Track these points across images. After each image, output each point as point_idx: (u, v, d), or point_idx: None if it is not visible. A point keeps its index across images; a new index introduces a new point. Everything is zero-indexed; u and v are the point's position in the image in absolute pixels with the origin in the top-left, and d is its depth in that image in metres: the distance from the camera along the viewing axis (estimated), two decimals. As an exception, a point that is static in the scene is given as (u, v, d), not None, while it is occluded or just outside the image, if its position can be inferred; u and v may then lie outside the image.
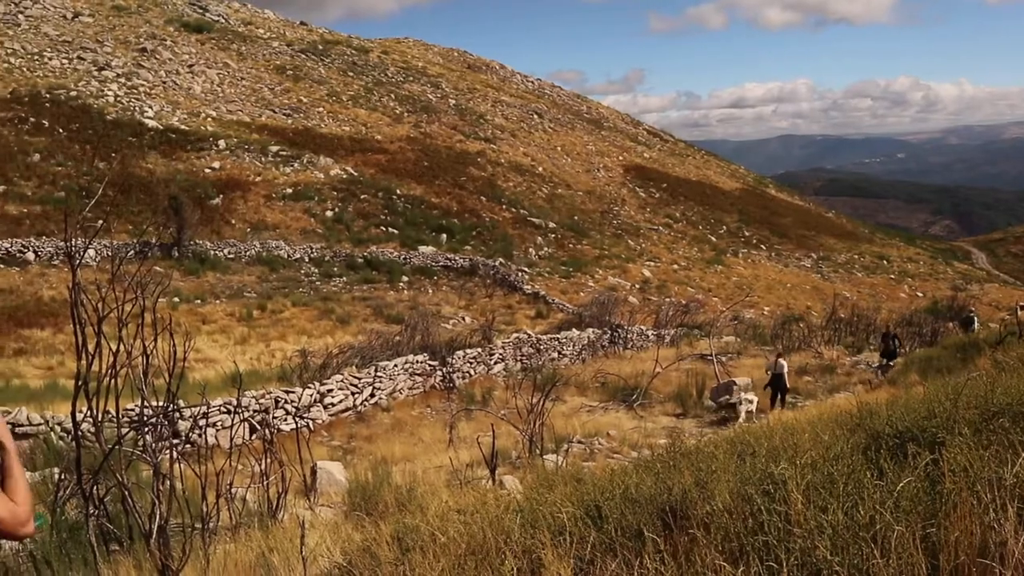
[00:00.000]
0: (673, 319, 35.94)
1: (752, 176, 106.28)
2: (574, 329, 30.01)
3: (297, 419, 16.11)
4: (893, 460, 3.54)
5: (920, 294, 61.17)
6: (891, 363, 21.06)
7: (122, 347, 5.08)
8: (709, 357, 23.30)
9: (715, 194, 80.00)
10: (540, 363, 25.20)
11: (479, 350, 24.19)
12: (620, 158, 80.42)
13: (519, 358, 25.33)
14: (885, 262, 71.98)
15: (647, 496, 3.85)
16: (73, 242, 5.44)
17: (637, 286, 48.85)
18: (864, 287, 61.67)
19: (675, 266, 55.74)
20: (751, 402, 17.54)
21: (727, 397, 18.77)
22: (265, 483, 7.23)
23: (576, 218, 59.69)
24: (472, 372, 23.22)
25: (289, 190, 48.65)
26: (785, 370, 18.33)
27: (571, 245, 53.75)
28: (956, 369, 13.19)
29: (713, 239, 65.48)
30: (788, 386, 18.44)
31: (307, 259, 42.62)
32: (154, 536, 5.39)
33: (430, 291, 40.96)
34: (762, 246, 67.61)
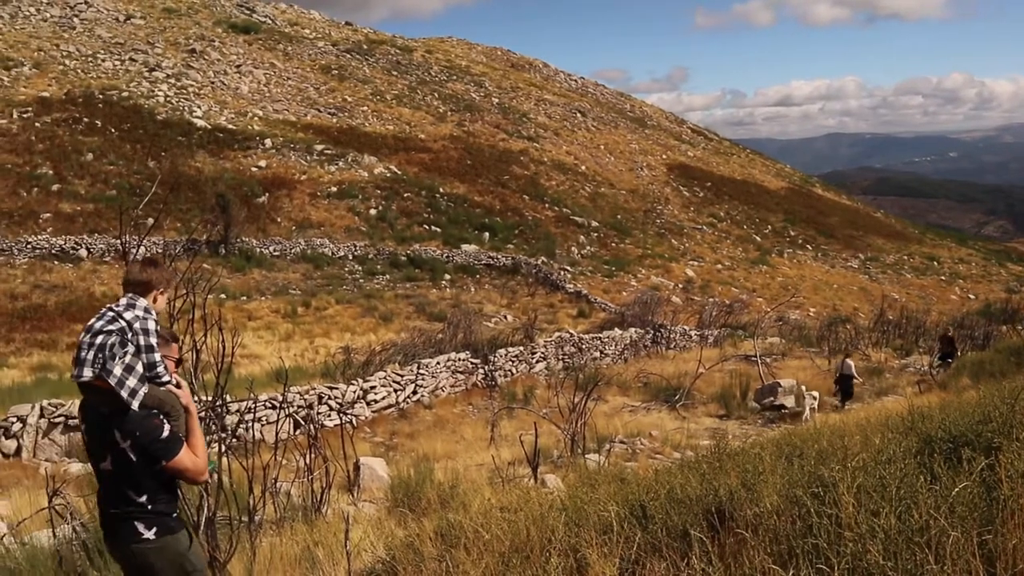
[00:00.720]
0: (717, 319, 35.64)
1: (798, 175, 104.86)
2: (616, 329, 29.89)
3: (341, 415, 16.26)
4: (947, 465, 3.46)
5: (972, 296, 59.85)
6: (950, 361, 20.93)
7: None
8: (753, 358, 23.04)
9: (760, 193, 79.07)
10: (582, 362, 25.14)
11: (521, 349, 24.20)
12: (664, 157, 79.87)
13: (561, 357, 25.29)
14: (935, 263, 70.54)
15: (693, 497, 3.81)
16: (124, 240, 5.53)
17: (680, 286, 48.48)
18: (913, 289, 60.52)
19: (719, 266, 55.22)
20: (815, 398, 17.60)
21: (772, 399, 18.55)
22: (309, 478, 7.30)
23: (619, 217, 59.41)
24: (514, 370, 23.23)
25: (334, 188, 49.11)
26: (853, 370, 18.60)
27: (614, 244, 53.52)
28: (1010, 373, 12.88)
29: (758, 239, 64.74)
30: (852, 390, 18.64)
31: (351, 257, 42.98)
32: (202, 528, 5.47)
33: (472, 289, 41.07)
34: (808, 246, 66.68)
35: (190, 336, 5.42)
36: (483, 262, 44.77)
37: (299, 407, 15.68)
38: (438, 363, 20.54)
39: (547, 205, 56.29)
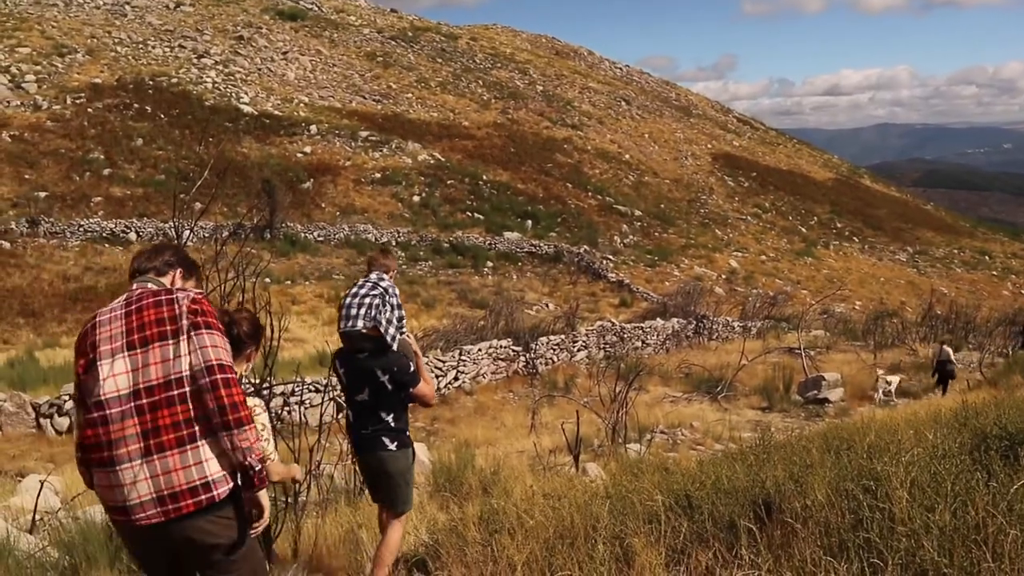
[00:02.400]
0: (760, 311, 35.28)
1: (846, 166, 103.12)
2: (658, 318, 29.72)
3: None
4: (1003, 462, 3.38)
5: (1024, 291, 58.51)
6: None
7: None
8: (797, 351, 22.76)
9: (806, 184, 77.92)
10: (623, 352, 25.04)
11: (562, 337, 24.18)
12: (709, 146, 79.04)
13: (602, 346, 25.23)
14: (987, 258, 68.95)
15: (739, 488, 3.78)
16: (177, 224, 5.61)
17: (723, 276, 48.03)
18: (963, 283, 59.27)
19: (763, 257, 54.59)
20: (888, 383, 17.73)
21: (815, 392, 18.36)
22: (352, 461, 7.35)
23: (662, 206, 58.97)
24: (555, 359, 23.23)
25: (378, 175, 49.40)
26: (951, 356, 18.71)
27: (657, 234, 53.15)
28: (1065, 370, 12.59)
29: (803, 230, 63.85)
30: (955, 373, 18.66)
31: (394, 243, 43.21)
32: (249, 507, 5.54)
33: (514, 277, 41.09)
34: (855, 238, 65.61)
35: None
36: (525, 250, 44.75)
37: (339, 392, 15.83)
38: (479, 350, 20.60)
39: (590, 194, 56.06)
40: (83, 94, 50.18)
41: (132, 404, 2.78)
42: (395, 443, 4.48)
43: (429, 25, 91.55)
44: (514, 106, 71.01)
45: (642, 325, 27.93)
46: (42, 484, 7.49)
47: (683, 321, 29.37)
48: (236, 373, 2.94)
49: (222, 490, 2.81)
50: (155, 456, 2.75)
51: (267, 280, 33.61)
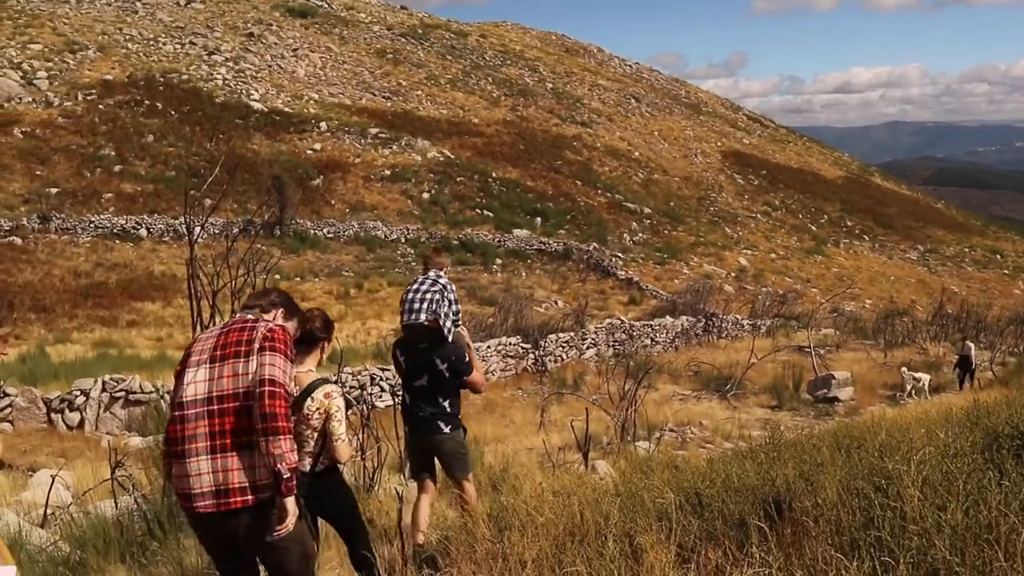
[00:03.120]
0: (769, 309, 35.17)
1: (856, 164, 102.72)
2: (668, 316, 29.67)
3: (393, 396, 16.41)
4: (1016, 461, 3.37)
5: (1036, 291, 58.17)
6: None
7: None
8: (807, 349, 22.69)
9: (816, 182, 77.65)
10: (632, 349, 25.01)
11: (571, 334, 24.16)
12: (718, 144, 78.84)
13: (611, 343, 25.21)
14: (998, 256, 68.60)
15: (749, 486, 3.77)
16: (188, 220, 5.65)
17: (733, 274, 47.92)
18: (974, 282, 58.97)
19: (773, 255, 54.44)
20: (917, 380, 18.03)
21: (825, 391, 18.30)
22: (362, 457, 7.38)
23: (672, 204, 58.87)
24: (564, 356, 23.22)
25: (387, 172, 49.45)
26: (972, 352, 19.65)
27: (666, 231, 53.07)
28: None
29: (813, 228, 63.64)
30: (975, 367, 19.81)
31: (403, 240, 43.28)
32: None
33: (523, 274, 41.08)
34: (865, 236, 65.36)
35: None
36: (534, 247, 44.74)
37: (351, 387, 15.88)
38: (489, 347, 20.60)
39: (599, 191, 56.00)
40: (94, 91, 50.37)
41: (205, 408, 3.25)
42: (449, 426, 5.07)
43: (439, 22, 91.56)
44: (524, 103, 70.97)
45: (651, 323, 27.89)
46: (53, 479, 7.54)
47: (692, 319, 29.31)
48: (287, 391, 3.32)
49: (267, 494, 3.22)
50: (218, 455, 3.21)
51: (277, 277, 33.69)
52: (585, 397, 16.00)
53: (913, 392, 17.95)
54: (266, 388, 3.21)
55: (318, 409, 3.94)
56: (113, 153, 44.24)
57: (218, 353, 3.37)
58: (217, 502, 3.20)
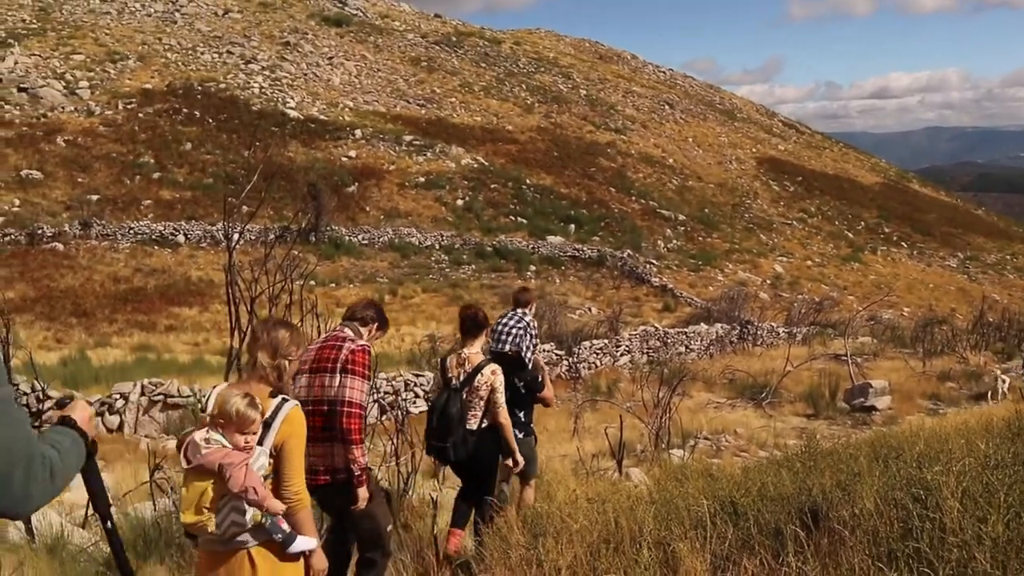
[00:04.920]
0: (805, 317, 34.76)
1: (894, 170, 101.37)
2: (702, 324, 29.47)
3: (426, 401, 16.47)
4: (1059, 472, 3.31)
5: (1081, 299, 56.91)
6: None
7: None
8: (843, 357, 22.39)
9: (853, 188, 76.76)
10: (667, 356, 24.88)
11: (605, 341, 24.09)
12: (753, 150, 78.27)
13: (645, 351, 25.10)
14: (1042, 263, 67.29)
15: (785, 495, 3.75)
16: (228, 227, 5.76)
17: (768, 282, 47.51)
18: (1016, 290, 57.85)
19: (809, 262, 53.89)
20: (1004, 381, 17.71)
21: (862, 400, 18.05)
22: (396, 463, 7.41)
23: (706, 211, 58.52)
24: (598, 363, 23.15)
25: (422, 179, 49.71)
26: None
27: (701, 238, 52.77)
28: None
29: (850, 235, 62.90)
30: None
31: (438, 246, 43.45)
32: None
33: (557, 281, 41.05)
34: (903, 243, 64.46)
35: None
36: (568, 254, 44.69)
37: (386, 393, 15.96)
38: (521, 354, 20.58)
39: (633, 198, 55.84)
40: (134, 99, 51.26)
41: (309, 408, 3.86)
42: (522, 432, 5.95)
43: (473, 30, 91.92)
44: (557, 110, 71.02)
45: (686, 330, 27.73)
46: (95, 481, 7.64)
47: (727, 326, 29.08)
48: (362, 408, 4.15)
49: (356, 473, 4.09)
50: (325, 443, 4.08)
51: (312, 283, 33.96)
52: (619, 404, 15.95)
53: (1006, 390, 17.65)
54: (345, 408, 4.07)
55: (485, 383, 5.22)
56: (152, 161, 44.96)
57: (315, 366, 4.19)
58: (326, 477, 4.10)
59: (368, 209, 45.85)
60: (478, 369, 5.21)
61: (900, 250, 62.84)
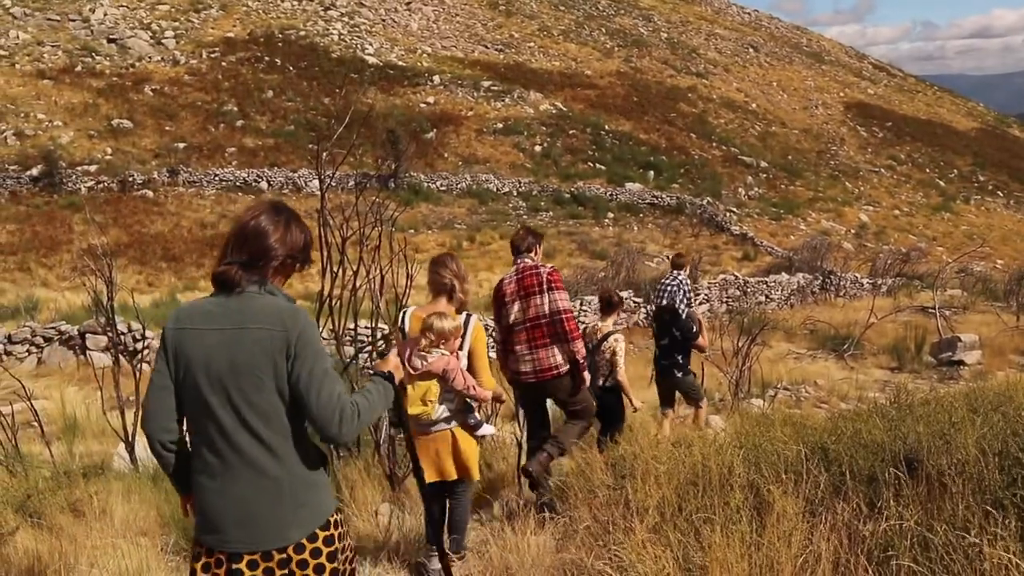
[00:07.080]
0: (891, 268, 33.76)
1: (992, 115, 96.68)
2: (783, 273, 28.91)
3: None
4: None
5: None
6: None
7: (362, 268, 5.57)
8: (931, 310, 21.72)
9: (947, 134, 73.58)
10: (746, 306, 24.53)
11: (683, 290, 23.83)
12: (841, 94, 75.57)
13: (724, 300, 24.80)
14: None
15: (878, 442, 3.68)
16: (320, 171, 5.95)
17: (852, 231, 46.20)
18: (1122, 242, 55.03)
19: (896, 211, 52.14)
20: None
21: (950, 354, 17.51)
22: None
23: (790, 157, 56.96)
24: (676, 312, 22.93)
25: (499, 125, 49.53)
26: None
27: (783, 186, 51.49)
28: None
29: (941, 183, 60.51)
30: None
31: (515, 193, 43.40)
32: (383, 445, 5.78)
33: (635, 228, 40.68)
34: (999, 192, 61.73)
35: (375, 265, 5.73)
36: (647, 201, 44.16)
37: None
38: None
39: (714, 144, 54.67)
40: (217, 48, 52.12)
41: (524, 326, 5.19)
42: (680, 372, 7.87)
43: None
44: (637, 54, 69.61)
45: (766, 279, 27.25)
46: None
47: (809, 276, 28.46)
48: (573, 312, 5.34)
49: (563, 369, 5.18)
50: (534, 351, 5.16)
51: (392, 228, 34.37)
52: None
53: None
54: (562, 315, 5.10)
55: (610, 347, 6.68)
56: (235, 109, 45.79)
57: (522, 293, 5.19)
58: (536, 375, 5.19)
59: (446, 155, 45.97)
60: (605, 337, 6.74)
61: (995, 199, 60.24)
